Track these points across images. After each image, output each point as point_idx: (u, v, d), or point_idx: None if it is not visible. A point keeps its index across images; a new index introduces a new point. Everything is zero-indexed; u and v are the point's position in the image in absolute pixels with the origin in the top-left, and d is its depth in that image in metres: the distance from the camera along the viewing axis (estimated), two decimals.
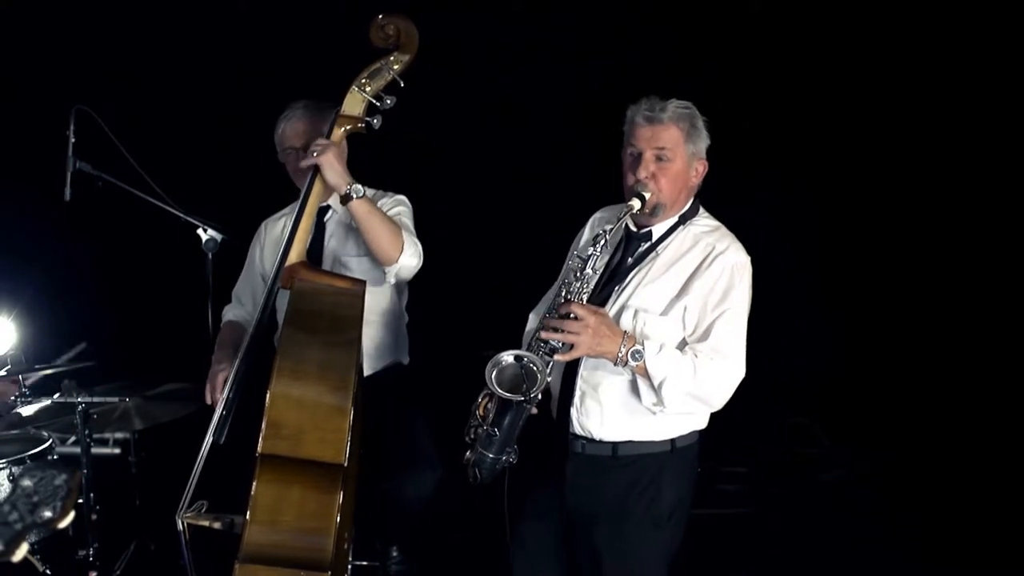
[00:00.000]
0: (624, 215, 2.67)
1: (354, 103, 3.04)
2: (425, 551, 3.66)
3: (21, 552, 1.43)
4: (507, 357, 2.60)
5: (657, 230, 2.80)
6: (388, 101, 3.02)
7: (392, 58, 3.02)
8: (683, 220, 2.81)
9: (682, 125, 2.71)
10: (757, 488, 4.83)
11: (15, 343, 4.16)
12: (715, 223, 2.83)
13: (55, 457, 3.69)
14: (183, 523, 2.96)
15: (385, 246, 3.06)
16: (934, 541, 4.11)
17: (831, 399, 4.94)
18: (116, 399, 3.57)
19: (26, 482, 1.42)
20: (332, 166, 2.99)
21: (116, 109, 3.46)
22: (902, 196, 4.69)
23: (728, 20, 4.59)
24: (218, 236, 3.50)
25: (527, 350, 2.62)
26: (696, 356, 2.63)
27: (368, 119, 3.04)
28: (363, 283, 3.02)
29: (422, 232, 3.31)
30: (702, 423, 2.83)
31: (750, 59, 4.63)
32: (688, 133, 2.72)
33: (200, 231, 3.50)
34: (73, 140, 3.37)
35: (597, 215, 3.03)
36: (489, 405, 2.71)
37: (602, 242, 2.64)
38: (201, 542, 3.00)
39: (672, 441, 2.77)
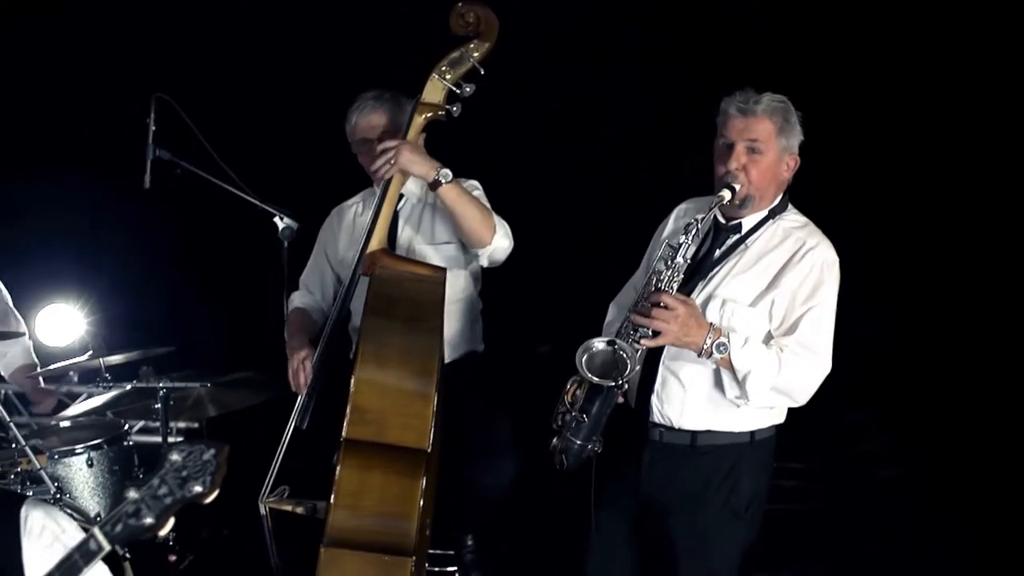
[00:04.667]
0: (715, 205, 2.67)
1: (434, 91, 3.04)
2: (499, 540, 3.67)
3: (168, 526, 1.45)
4: (599, 343, 2.61)
5: (747, 223, 2.79)
6: (468, 89, 3.02)
7: (472, 45, 3.02)
8: (773, 214, 2.79)
9: (775, 119, 2.70)
10: (815, 485, 4.78)
11: (87, 331, 4.23)
12: (804, 219, 2.82)
13: (130, 443, 3.74)
14: (266, 508, 3.00)
15: (477, 228, 3.05)
16: (993, 540, 4.04)
17: (889, 394, 4.87)
18: (197, 384, 3.58)
19: (175, 456, 1.44)
20: (413, 163, 3.00)
21: (195, 97, 3.49)
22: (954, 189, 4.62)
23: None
24: (294, 224, 3.51)
25: (616, 336, 2.63)
26: (782, 351, 2.62)
27: (448, 107, 3.04)
28: (444, 270, 3.03)
29: None
30: (780, 418, 2.82)
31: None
32: (781, 127, 2.71)
33: (277, 219, 3.51)
34: (153, 128, 3.41)
35: (683, 206, 3.01)
36: (578, 392, 2.70)
37: (693, 231, 2.63)
38: (279, 527, 3.04)
39: (751, 433, 2.77)
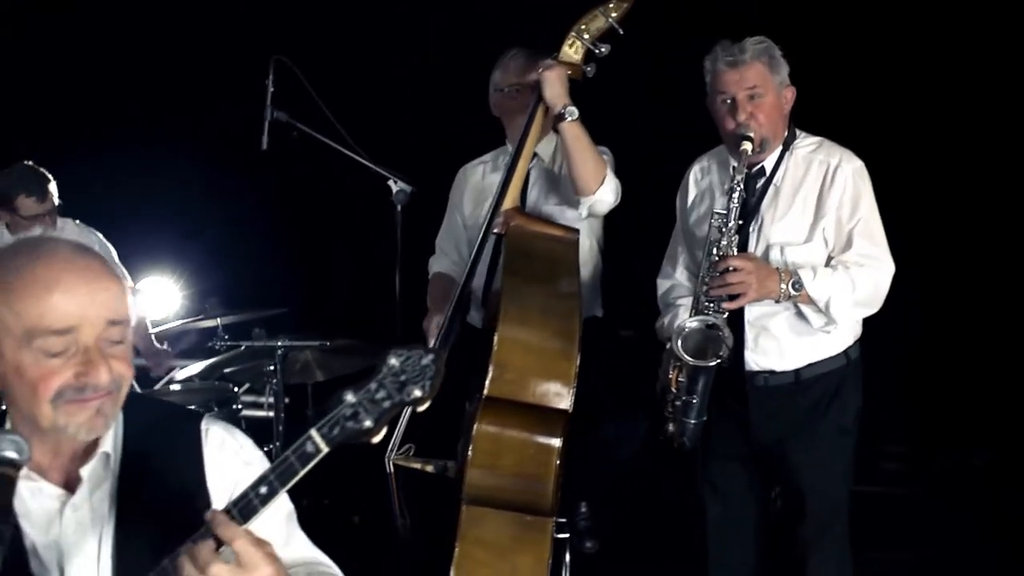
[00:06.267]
0: (742, 162, 2.74)
1: (572, 50, 3.01)
2: (613, 509, 3.64)
3: (382, 434, 1.43)
4: (690, 323, 2.72)
5: (768, 164, 2.88)
6: (603, 49, 2.99)
7: (612, 5, 2.98)
8: (786, 146, 2.88)
9: (764, 59, 2.79)
10: (917, 467, 4.73)
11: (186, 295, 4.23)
12: (816, 139, 2.91)
13: (239, 407, 3.74)
14: (392, 465, 2.98)
15: (587, 174, 3.01)
16: None
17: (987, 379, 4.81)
18: (316, 343, 3.56)
19: (393, 361, 1.40)
20: (554, 83, 2.97)
21: (312, 59, 3.48)
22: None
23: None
24: (408, 188, 3.49)
25: (695, 313, 2.74)
26: (848, 268, 2.73)
27: (584, 67, 3.01)
28: (577, 231, 3.01)
29: None
30: (860, 329, 2.92)
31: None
32: (771, 66, 2.80)
33: (391, 183, 3.50)
34: (272, 90, 3.41)
35: (696, 167, 3.09)
36: (680, 377, 2.79)
37: (735, 194, 2.72)
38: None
39: (846, 354, 2.87)
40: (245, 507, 1.40)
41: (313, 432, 1.41)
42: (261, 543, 1.40)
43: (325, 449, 1.40)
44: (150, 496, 1.57)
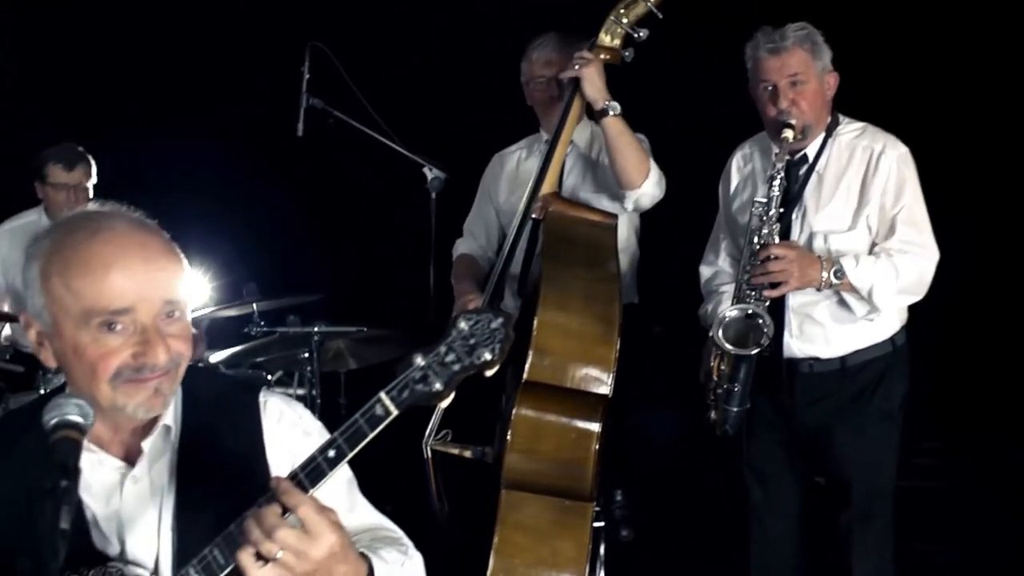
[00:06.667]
0: (783, 149, 2.73)
1: (611, 34, 3.00)
2: (649, 498, 3.63)
3: (451, 398, 1.42)
4: (730, 312, 2.71)
5: (810, 150, 2.86)
6: (642, 34, 2.98)
7: None
8: (829, 132, 2.86)
9: (806, 46, 2.77)
10: (950, 462, 4.70)
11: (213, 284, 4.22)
12: (860, 124, 2.89)
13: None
14: (430, 451, 2.98)
15: (631, 169, 3.01)
16: None
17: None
18: (353, 328, 3.55)
19: (462, 325, 1.39)
20: (593, 79, 2.96)
21: (346, 46, 3.48)
22: None
23: None
24: (442, 175, 3.50)
25: (736, 301, 2.74)
26: (891, 255, 2.72)
27: (622, 52, 3.00)
28: (615, 216, 3.00)
29: None
30: (906, 316, 2.93)
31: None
32: (813, 52, 2.78)
33: (426, 170, 3.50)
34: (308, 76, 3.41)
35: (738, 154, 3.08)
36: (722, 366, 2.80)
37: (777, 182, 2.71)
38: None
39: (892, 340, 2.87)
40: (313, 471, 1.40)
41: (382, 395, 1.40)
42: (326, 511, 1.40)
43: (394, 412, 1.39)
44: (210, 468, 1.57)
